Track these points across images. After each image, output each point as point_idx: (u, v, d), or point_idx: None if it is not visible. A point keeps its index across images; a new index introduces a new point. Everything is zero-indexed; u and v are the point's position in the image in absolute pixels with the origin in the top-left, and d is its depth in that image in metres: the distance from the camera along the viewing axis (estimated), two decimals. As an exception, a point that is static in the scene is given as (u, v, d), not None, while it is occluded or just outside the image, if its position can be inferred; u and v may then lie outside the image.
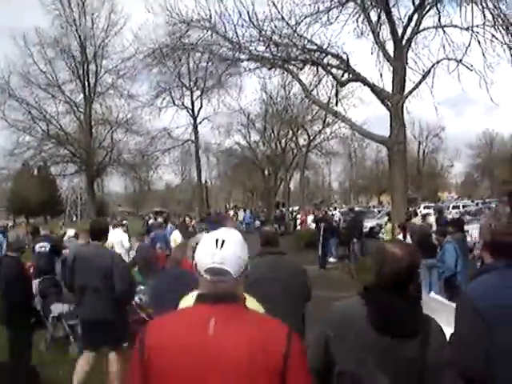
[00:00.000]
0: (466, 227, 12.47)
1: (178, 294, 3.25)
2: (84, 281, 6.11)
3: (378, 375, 2.41)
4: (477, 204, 43.31)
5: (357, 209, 39.24)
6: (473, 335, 2.65)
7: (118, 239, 12.32)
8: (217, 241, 2.01)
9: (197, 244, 4.08)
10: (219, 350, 1.90)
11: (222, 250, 1.98)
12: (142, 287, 9.08)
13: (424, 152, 71.32)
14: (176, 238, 13.50)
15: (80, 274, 6.20)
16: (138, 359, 2.01)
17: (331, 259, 19.05)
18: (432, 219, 14.90)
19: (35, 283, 8.87)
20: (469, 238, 12.98)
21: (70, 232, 13.86)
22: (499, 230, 2.81)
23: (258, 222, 37.74)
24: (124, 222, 18.92)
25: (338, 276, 15.93)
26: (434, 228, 11.77)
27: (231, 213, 54.53)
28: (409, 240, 12.18)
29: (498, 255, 2.81)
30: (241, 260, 2.02)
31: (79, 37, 31.27)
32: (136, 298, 9.01)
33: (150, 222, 26.50)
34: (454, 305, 2.94)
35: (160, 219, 20.77)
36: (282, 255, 5.30)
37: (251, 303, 2.48)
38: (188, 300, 2.84)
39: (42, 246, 11.34)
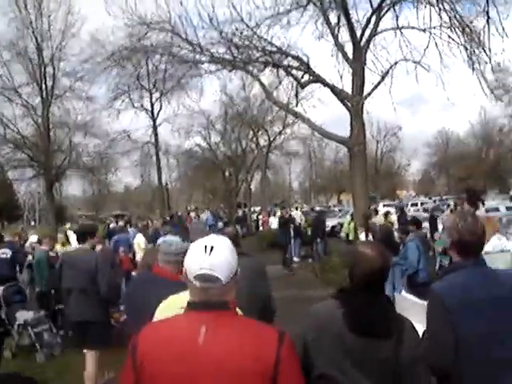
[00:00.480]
0: (423, 224, 12.76)
1: (153, 299, 3.27)
2: (71, 283, 6.28)
3: (356, 377, 2.44)
4: (434, 201, 44.17)
5: (318, 208, 39.71)
6: (442, 332, 2.72)
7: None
8: (205, 247, 2.00)
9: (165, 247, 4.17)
10: (210, 357, 1.91)
11: (210, 256, 1.97)
12: None
13: (382, 151, 72.25)
14: (140, 241, 13.38)
15: (66, 277, 6.47)
16: (130, 365, 2.02)
17: (295, 259, 19.23)
18: (394, 217, 15.17)
19: (-1, 291, 8.74)
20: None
21: (33, 238, 13.66)
22: (466, 230, 2.86)
23: (220, 224, 37.73)
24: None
25: (302, 275, 16.11)
26: (396, 226, 11.99)
27: (193, 214, 54.29)
28: (370, 239, 12.43)
29: (465, 254, 2.89)
30: (230, 266, 2.02)
31: (36, 39, 30.59)
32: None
33: (112, 225, 26.22)
34: (424, 303, 3.01)
35: (121, 222, 20.60)
36: (243, 256, 5.32)
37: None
38: (168, 303, 2.84)
39: (4, 253, 11.16)
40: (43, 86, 31.23)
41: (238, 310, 2.13)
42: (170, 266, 4.02)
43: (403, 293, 4.89)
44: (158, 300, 3.00)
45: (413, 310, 3.01)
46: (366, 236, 12.57)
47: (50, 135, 31.54)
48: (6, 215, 72.31)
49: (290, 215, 21.58)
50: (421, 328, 2.76)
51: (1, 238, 12.19)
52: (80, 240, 6.62)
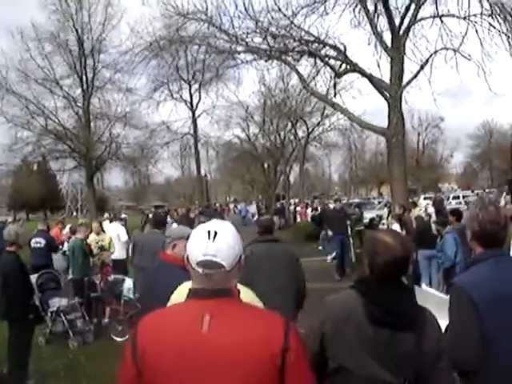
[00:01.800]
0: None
1: (161, 287, 3.26)
2: (144, 262, 6.99)
3: (376, 370, 2.36)
4: (477, 194, 43.35)
5: (356, 201, 39.34)
6: (467, 327, 2.62)
7: (115, 233, 12.31)
8: (209, 232, 1.94)
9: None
10: (214, 346, 1.85)
11: (214, 241, 1.92)
12: (131, 282, 9.04)
13: (423, 143, 71.34)
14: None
15: (139, 256, 7.98)
16: (130, 357, 1.96)
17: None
18: (432, 209, 14.84)
19: (34, 278, 8.85)
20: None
21: (67, 228, 13.89)
22: (487, 220, 2.75)
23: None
24: (122, 216, 18.90)
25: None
26: (434, 218, 11.71)
27: (231, 206, 54.56)
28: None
29: (486, 245, 2.78)
30: (234, 252, 1.95)
31: (76, 31, 31.06)
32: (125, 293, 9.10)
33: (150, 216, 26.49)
34: (445, 297, 2.90)
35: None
36: (275, 242, 5.44)
37: (246, 294, 2.45)
38: (180, 291, 2.76)
39: (38, 242, 11.37)
40: (84, 78, 31.73)
41: (248, 292, 2.06)
42: (170, 249, 4.09)
43: (423, 286, 4.76)
44: (167, 287, 2.95)
45: (433, 303, 2.88)
46: (400, 228, 12.35)
47: (90, 126, 32.07)
48: (49, 205, 74.14)
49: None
50: (443, 323, 2.65)
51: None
52: (155, 225, 8.10)
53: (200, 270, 1.93)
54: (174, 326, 1.94)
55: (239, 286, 2.16)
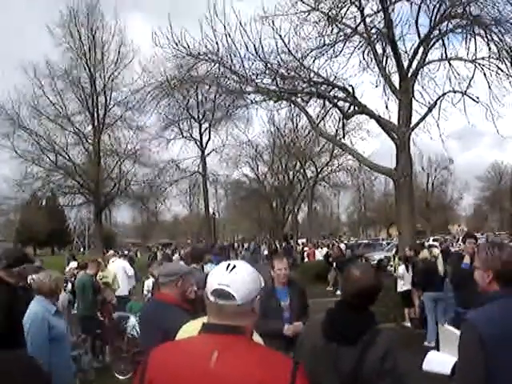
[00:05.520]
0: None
1: (161, 326, 3.31)
2: None
3: (326, 380, 2.70)
4: (486, 237, 43.01)
5: (365, 241, 39.07)
6: (474, 364, 2.60)
7: (121, 267, 12.41)
8: (228, 265, 2.01)
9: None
10: (220, 382, 1.84)
11: (230, 273, 1.97)
12: (134, 319, 8.96)
13: (433, 184, 71.25)
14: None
15: None
16: (138, 381, 1.97)
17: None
18: (437, 251, 14.73)
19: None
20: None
21: (73, 264, 13.85)
22: (507, 259, 2.79)
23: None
24: (126, 252, 18.92)
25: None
26: (440, 259, 11.63)
27: (236, 245, 54.46)
28: (410, 273, 12.10)
29: (505, 284, 2.79)
30: (248, 288, 1.97)
31: (89, 69, 31.71)
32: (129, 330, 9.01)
33: (159, 254, 26.48)
34: None
35: (168, 251, 20.82)
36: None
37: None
38: (187, 329, 2.73)
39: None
40: (95, 115, 32.24)
41: (255, 337, 2.08)
42: (166, 288, 3.96)
43: (446, 325, 4.75)
44: (168, 326, 2.94)
45: (456, 341, 2.89)
46: (407, 269, 12.26)
47: (100, 163, 32.39)
48: (56, 241, 74.16)
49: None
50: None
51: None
52: (193, 260, 7.90)
53: (212, 299, 1.96)
54: (184, 358, 1.94)
55: None
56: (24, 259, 4.74)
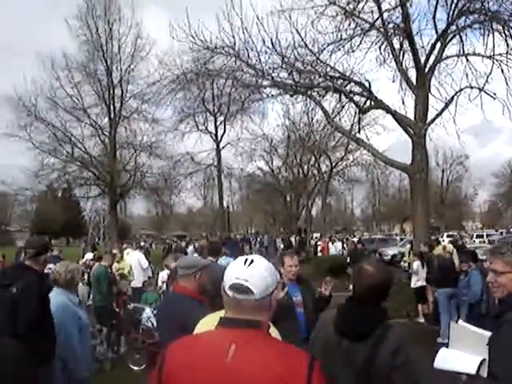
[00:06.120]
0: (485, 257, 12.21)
1: (178, 318, 3.33)
2: None
3: (339, 375, 2.71)
4: (501, 233, 42.78)
5: (379, 237, 38.96)
6: None
7: (136, 259, 12.53)
8: (246, 260, 2.02)
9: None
10: (237, 376, 1.86)
11: (248, 268, 1.98)
12: (150, 311, 9.03)
13: (448, 180, 70.80)
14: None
15: None
16: (156, 375, 2.00)
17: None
18: (451, 247, 14.69)
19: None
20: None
21: (88, 255, 13.96)
22: None
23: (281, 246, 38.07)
24: (142, 243, 19.03)
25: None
26: (455, 254, 11.61)
27: (251, 238, 54.46)
28: (425, 268, 12.06)
29: None
30: (266, 282, 1.98)
31: (106, 62, 31.77)
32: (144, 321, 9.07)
33: (174, 245, 26.58)
34: (485, 333, 2.85)
35: (183, 243, 20.94)
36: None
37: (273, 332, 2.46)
38: (207, 322, 2.77)
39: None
40: (111, 107, 32.30)
41: (272, 331, 2.08)
42: (184, 281, 3.98)
43: (460, 321, 4.70)
44: (185, 318, 2.97)
45: (471, 339, 2.87)
46: (422, 265, 12.21)
47: (116, 155, 32.52)
48: (71, 232, 74.70)
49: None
50: (478, 359, 2.75)
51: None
52: (210, 253, 7.50)
53: (230, 294, 1.97)
54: (202, 352, 1.95)
55: None
56: (48, 247, 4.90)
